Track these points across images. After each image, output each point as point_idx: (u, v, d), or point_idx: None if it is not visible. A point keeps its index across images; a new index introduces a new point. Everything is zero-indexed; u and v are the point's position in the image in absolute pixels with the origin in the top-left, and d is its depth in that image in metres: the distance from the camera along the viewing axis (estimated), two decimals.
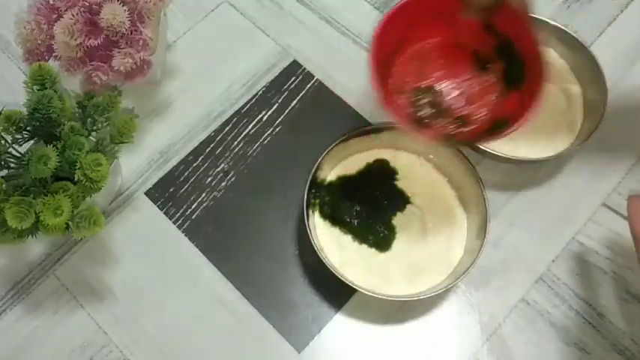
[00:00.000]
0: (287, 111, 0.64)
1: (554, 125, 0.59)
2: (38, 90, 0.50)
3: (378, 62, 0.49)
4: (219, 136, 0.63)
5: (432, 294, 0.52)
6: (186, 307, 0.56)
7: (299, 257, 0.58)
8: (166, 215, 0.60)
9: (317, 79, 0.65)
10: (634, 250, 0.45)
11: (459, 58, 0.54)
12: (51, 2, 0.54)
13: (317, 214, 0.57)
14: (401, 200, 0.58)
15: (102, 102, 0.52)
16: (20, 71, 0.66)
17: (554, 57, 0.63)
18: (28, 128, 0.50)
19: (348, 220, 0.57)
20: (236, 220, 0.59)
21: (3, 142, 0.50)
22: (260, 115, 0.64)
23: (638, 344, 0.54)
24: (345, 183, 0.58)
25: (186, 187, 0.61)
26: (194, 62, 0.66)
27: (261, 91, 0.65)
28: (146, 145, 0.63)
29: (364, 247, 0.56)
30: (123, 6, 0.52)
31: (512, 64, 0.52)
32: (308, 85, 0.65)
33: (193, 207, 0.60)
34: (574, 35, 0.60)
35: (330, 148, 0.56)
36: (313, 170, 0.55)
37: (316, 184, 0.57)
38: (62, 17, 0.51)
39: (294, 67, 0.66)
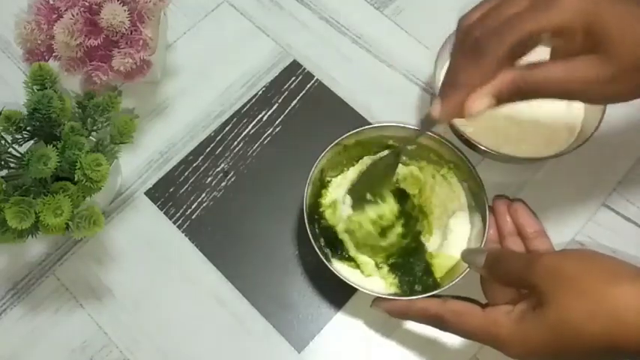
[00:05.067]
0: (287, 111, 0.64)
1: (554, 125, 0.59)
2: (38, 90, 0.50)
3: None
4: (219, 136, 0.63)
5: (432, 294, 0.51)
6: (186, 307, 0.56)
7: (299, 257, 0.58)
8: (166, 215, 0.60)
9: (317, 79, 0.65)
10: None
11: None
12: (51, 2, 0.54)
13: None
14: (401, 200, 0.58)
15: (102, 102, 0.52)
16: (20, 71, 0.66)
17: None
18: (28, 128, 0.50)
19: None
20: (236, 220, 0.59)
21: (3, 142, 0.50)
22: (260, 115, 0.64)
23: None
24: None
25: (186, 187, 0.61)
26: (194, 62, 0.66)
27: (261, 91, 0.65)
28: (146, 145, 0.62)
29: None
30: (123, 6, 0.52)
31: None
32: (308, 85, 0.65)
33: (193, 207, 0.60)
34: None
35: (329, 148, 0.56)
36: (313, 170, 0.55)
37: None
38: (62, 17, 0.51)
39: (294, 67, 0.66)
